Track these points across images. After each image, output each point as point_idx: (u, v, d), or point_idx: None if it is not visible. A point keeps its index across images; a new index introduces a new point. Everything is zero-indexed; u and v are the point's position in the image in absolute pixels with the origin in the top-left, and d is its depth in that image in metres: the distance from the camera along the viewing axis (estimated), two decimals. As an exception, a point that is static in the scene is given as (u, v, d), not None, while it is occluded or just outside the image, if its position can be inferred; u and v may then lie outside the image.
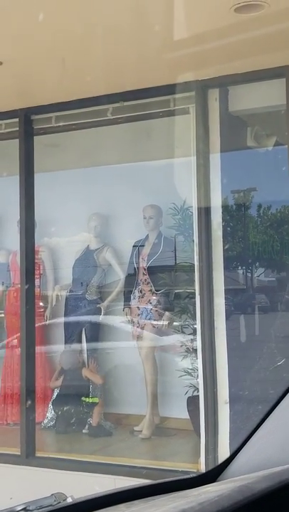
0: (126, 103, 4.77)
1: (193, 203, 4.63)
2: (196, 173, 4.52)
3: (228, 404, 4.30)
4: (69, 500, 1.18)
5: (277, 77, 4.28)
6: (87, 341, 5.77)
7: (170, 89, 4.52)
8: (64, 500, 1.18)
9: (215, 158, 4.53)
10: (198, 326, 4.54)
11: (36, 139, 5.15)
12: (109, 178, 5.87)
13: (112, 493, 1.17)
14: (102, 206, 5.95)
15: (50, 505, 1.14)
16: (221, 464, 1.30)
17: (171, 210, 5.55)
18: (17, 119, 5.08)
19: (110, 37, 3.76)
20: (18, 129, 5.09)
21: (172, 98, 4.66)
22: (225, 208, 5.14)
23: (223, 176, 4.54)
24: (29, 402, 4.87)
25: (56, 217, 6.09)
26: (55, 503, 1.15)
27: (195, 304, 4.63)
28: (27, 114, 5.06)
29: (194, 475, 1.28)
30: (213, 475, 1.28)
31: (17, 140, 5.10)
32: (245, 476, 1.14)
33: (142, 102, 4.76)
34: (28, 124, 5.08)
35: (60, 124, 5.07)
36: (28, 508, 1.11)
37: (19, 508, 1.11)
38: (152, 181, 5.64)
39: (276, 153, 4.96)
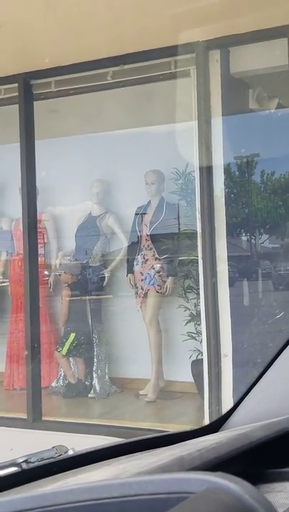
0: (126, 66, 4.70)
1: (196, 168, 4.59)
2: (197, 138, 4.47)
3: (229, 358, 4.31)
4: (70, 452, 1.19)
5: (279, 36, 4.20)
6: (91, 309, 5.79)
7: (171, 51, 4.44)
8: (65, 452, 1.19)
9: (216, 122, 4.47)
10: (201, 291, 4.54)
11: (36, 104, 5.10)
12: (111, 144, 5.82)
13: (114, 445, 1.18)
14: (104, 173, 5.92)
15: (52, 457, 1.15)
16: (222, 416, 1.32)
17: (173, 175, 5.51)
18: (16, 84, 5.02)
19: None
20: (17, 94, 5.04)
21: (173, 60, 4.58)
22: (228, 173, 5.09)
23: (225, 139, 4.49)
24: (35, 361, 4.91)
25: (58, 184, 6.06)
26: (56, 455, 1.16)
27: (198, 269, 4.63)
28: (26, 79, 5.00)
29: (196, 427, 1.29)
30: (214, 427, 1.29)
31: (17, 106, 5.05)
32: (245, 426, 1.15)
33: (142, 65, 4.68)
34: (27, 89, 5.02)
35: (60, 88, 5.01)
36: (29, 460, 1.12)
37: (21, 460, 1.12)
38: (154, 146, 5.59)
39: (279, 115, 4.90)
